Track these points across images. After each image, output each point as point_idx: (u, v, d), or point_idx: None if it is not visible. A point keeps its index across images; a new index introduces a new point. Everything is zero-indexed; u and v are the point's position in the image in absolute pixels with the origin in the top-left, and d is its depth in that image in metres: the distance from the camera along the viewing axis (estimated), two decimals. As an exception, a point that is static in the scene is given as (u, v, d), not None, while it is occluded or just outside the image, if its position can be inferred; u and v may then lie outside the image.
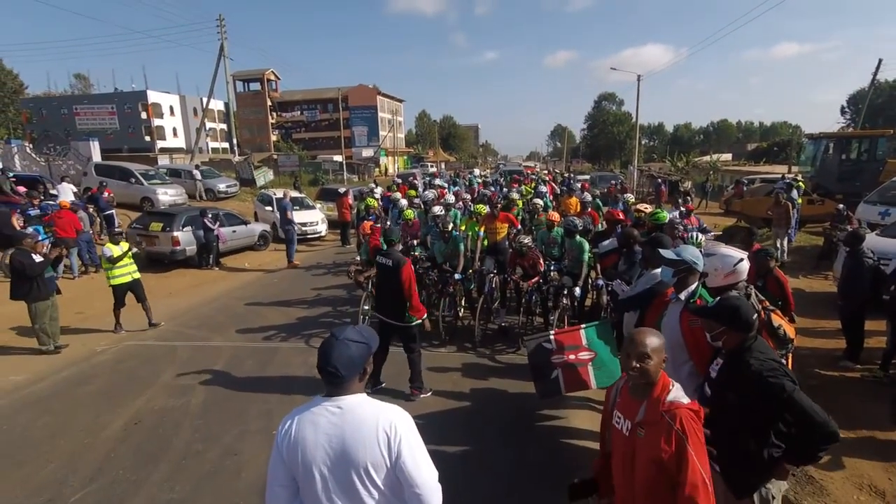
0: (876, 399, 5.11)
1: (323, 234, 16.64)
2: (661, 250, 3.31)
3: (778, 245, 10.73)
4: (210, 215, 12.45)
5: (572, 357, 4.43)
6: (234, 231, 13.81)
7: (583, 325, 4.62)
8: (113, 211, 13.69)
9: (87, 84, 63.54)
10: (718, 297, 2.59)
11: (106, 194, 14.10)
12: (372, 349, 1.84)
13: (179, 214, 12.52)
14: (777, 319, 3.06)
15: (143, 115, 47.93)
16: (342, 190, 16.46)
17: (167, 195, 17.68)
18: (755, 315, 2.38)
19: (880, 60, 29.06)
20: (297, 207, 15.79)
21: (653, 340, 2.02)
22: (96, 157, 20.49)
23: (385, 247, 5.47)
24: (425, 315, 5.30)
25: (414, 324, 5.27)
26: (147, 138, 47.89)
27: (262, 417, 5.09)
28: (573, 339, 4.50)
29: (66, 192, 13.37)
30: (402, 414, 1.82)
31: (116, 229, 8.93)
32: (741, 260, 3.25)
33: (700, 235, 5.87)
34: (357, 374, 1.79)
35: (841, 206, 10.95)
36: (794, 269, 10.23)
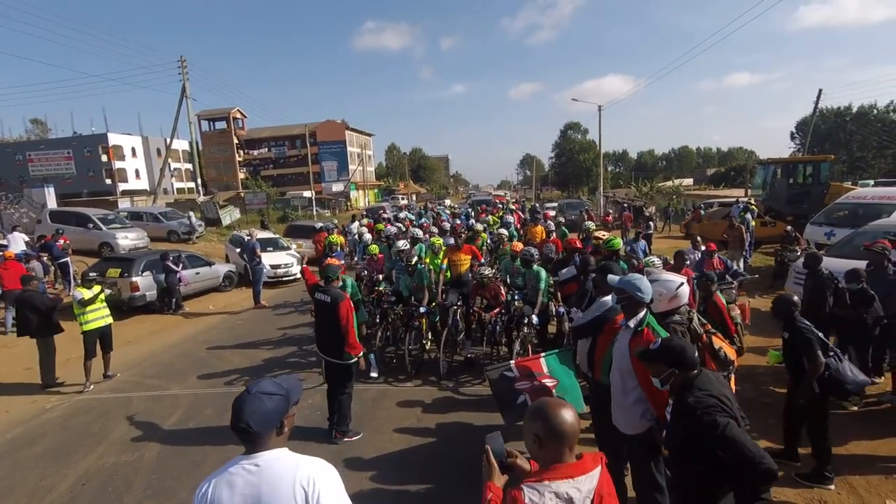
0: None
1: (299, 275, 15.66)
2: (608, 276, 3.40)
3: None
4: (172, 258, 12.17)
5: (536, 383, 4.45)
6: (198, 273, 13.51)
7: (543, 354, 4.66)
8: (68, 259, 13.23)
9: (44, 129, 62.26)
10: (660, 340, 2.64)
11: (61, 241, 13.66)
12: (291, 400, 1.80)
13: (139, 259, 12.21)
14: (718, 342, 3.17)
15: (104, 158, 47.01)
16: (319, 226, 16.08)
17: (128, 239, 17.28)
18: (696, 352, 2.44)
19: (820, 91, 31.49)
20: (270, 248, 15.51)
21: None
22: (51, 203, 19.91)
23: (323, 283, 5.39)
24: (361, 353, 5.23)
25: (350, 361, 5.18)
26: (108, 181, 46.85)
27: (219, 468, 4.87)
28: (535, 366, 4.53)
29: (17, 242, 12.90)
30: (323, 467, 1.75)
31: (89, 273, 8.54)
32: (682, 284, 3.37)
33: (657, 260, 6.03)
34: (273, 428, 1.74)
35: (789, 227, 11.48)
36: (751, 288, 10.59)
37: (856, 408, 5.36)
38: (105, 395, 7.19)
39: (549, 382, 4.41)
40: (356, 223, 16.34)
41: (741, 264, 11.12)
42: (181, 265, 12.41)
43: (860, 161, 57.42)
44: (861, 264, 6.12)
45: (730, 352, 3.17)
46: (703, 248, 7.92)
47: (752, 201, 16.49)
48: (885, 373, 5.86)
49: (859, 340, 5.46)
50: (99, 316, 7.63)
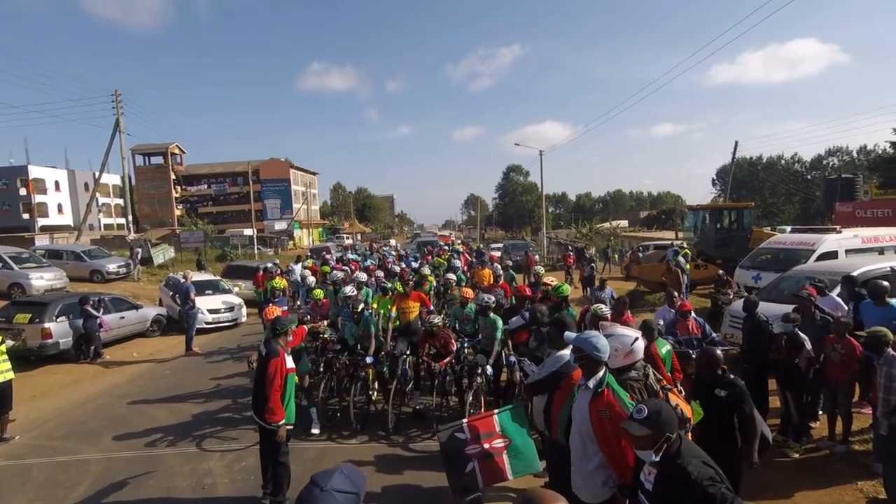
0: (778, 467, 5.31)
1: (242, 320, 14.48)
2: (565, 333, 3.32)
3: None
4: (93, 301, 11.12)
5: (487, 446, 4.21)
6: (122, 317, 12.43)
7: (496, 411, 4.47)
8: (-32, 301, 11.80)
9: (-46, 157, 57.11)
10: (635, 405, 2.53)
11: None
12: (361, 497, 1.57)
13: (53, 302, 11.08)
14: (674, 399, 3.14)
15: (23, 192, 43.56)
16: (269, 265, 15.04)
17: (42, 280, 15.76)
18: (680, 423, 2.34)
19: (736, 143, 34.81)
20: (210, 291, 14.54)
21: None
22: (-45, 239, 17.95)
23: (271, 334, 4.98)
24: (282, 421, 4.64)
25: (271, 426, 4.63)
26: (26, 216, 43.27)
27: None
28: (486, 425, 4.31)
29: None
30: None
31: None
32: (636, 339, 3.35)
33: (604, 308, 6.10)
34: None
35: (721, 271, 12.15)
36: (689, 330, 11.01)
37: (797, 455, 5.50)
38: (-2, 462, 6.24)
39: (500, 443, 4.20)
40: (299, 264, 15.73)
41: (679, 307, 11.58)
42: (102, 309, 11.35)
43: (772, 206, 63.37)
44: (789, 308, 6.49)
45: (685, 409, 3.13)
46: (677, 305, 6.85)
47: (685, 244, 17.46)
48: (818, 417, 6.10)
49: (795, 384, 5.69)
50: (-2, 371, 6.73)
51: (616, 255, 29.00)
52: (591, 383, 2.95)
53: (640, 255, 20.07)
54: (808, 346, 5.56)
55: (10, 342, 7.30)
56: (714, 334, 6.49)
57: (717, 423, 3.77)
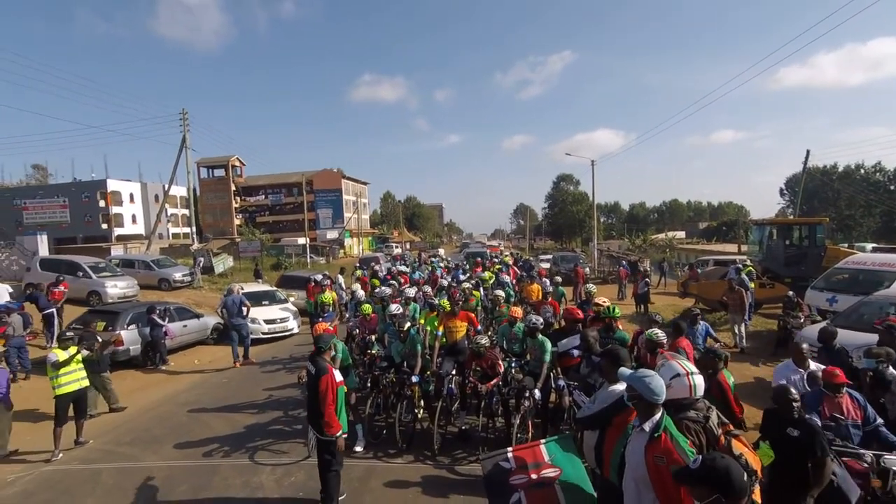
0: None
1: (296, 331, 14.77)
2: (619, 369, 3.15)
3: (736, 331, 10.89)
4: (159, 310, 11.83)
5: (535, 476, 4.05)
6: (185, 326, 13.11)
7: (542, 441, 4.31)
8: (53, 310, 12.82)
9: (44, 174, 63.00)
10: (702, 457, 2.32)
11: (61, 288, 13.44)
12: None
13: (125, 312, 11.84)
14: (739, 447, 2.87)
15: (102, 204, 47.25)
16: (318, 277, 15.46)
17: (116, 288, 16.92)
18: (747, 476, 2.12)
19: (808, 151, 32.49)
20: (267, 302, 15.04)
21: None
22: (43, 251, 19.70)
23: (315, 352, 5.17)
24: (339, 432, 4.85)
25: (329, 438, 4.84)
26: (104, 226, 46.86)
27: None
28: (534, 455, 4.15)
29: (1, 294, 12.55)
30: None
31: (66, 332, 8.32)
32: (677, 375, 3.11)
33: (660, 333, 5.76)
34: None
35: (791, 292, 11.29)
36: (753, 355, 10.31)
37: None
38: (73, 465, 6.68)
39: (550, 473, 4.02)
40: (341, 276, 16.05)
41: (742, 329, 10.89)
42: (168, 318, 12.04)
43: (848, 219, 58.55)
44: (872, 338, 5.93)
45: (753, 460, 2.86)
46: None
47: (748, 262, 16.45)
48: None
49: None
50: (74, 379, 7.23)
51: (676, 269, 27.61)
52: (647, 426, 2.78)
53: (699, 270, 19.07)
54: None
55: (85, 352, 7.78)
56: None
57: (787, 467, 3.47)
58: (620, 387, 3.29)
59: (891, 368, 5.08)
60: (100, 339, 9.03)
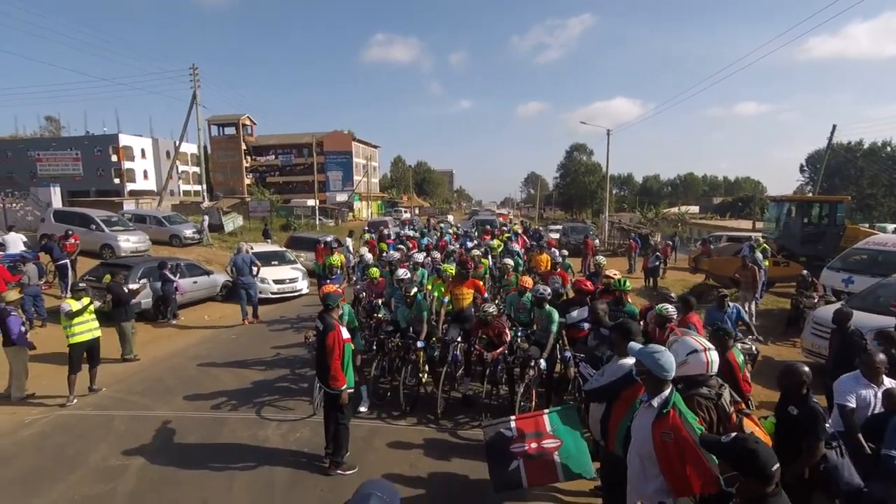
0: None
1: (305, 291, 14.69)
2: (629, 343, 3.10)
3: (746, 308, 10.78)
4: (170, 266, 11.94)
5: (534, 445, 4.12)
6: (195, 282, 13.26)
7: (546, 410, 4.34)
8: (67, 261, 12.99)
9: (57, 127, 62.89)
10: (734, 435, 2.27)
11: (72, 240, 13.56)
12: None
13: (137, 266, 11.97)
14: (750, 425, 2.85)
15: (114, 158, 47.24)
16: (328, 239, 15.42)
17: (129, 242, 17.04)
18: (776, 465, 2.05)
19: (834, 126, 30.96)
20: (276, 262, 15.07)
21: None
22: (56, 202, 19.81)
23: (323, 309, 5.29)
24: (344, 386, 5.06)
25: (335, 391, 5.05)
26: (116, 181, 47.03)
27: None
28: (536, 425, 4.20)
29: (15, 243, 12.71)
30: None
31: (79, 283, 8.51)
32: (694, 351, 3.05)
33: (671, 308, 5.67)
34: None
35: (805, 271, 11.07)
36: (763, 333, 10.14)
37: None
38: (87, 411, 6.89)
39: (550, 444, 4.09)
40: (350, 239, 16.02)
41: (752, 307, 10.77)
42: (179, 274, 12.16)
43: (869, 198, 56.98)
44: (889, 321, 5.81)
45: (764, 439, 2.83)
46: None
47: (762, 238, 16.16)
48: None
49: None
50: (87, 329, 7.40)
51: (689, 244, 27.18)
52: (656, 402, 2.74)
53: (712, 246, 18.80)
54: None
55: (97, 303, 7.91)
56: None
57: (784, 444, 3.43)
58: (630, 361, 3.24)
59: None
60: (129, 289, 9.66)
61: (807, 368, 3.64)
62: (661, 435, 2.63)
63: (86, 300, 7.45)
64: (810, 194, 40.35)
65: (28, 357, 7.41)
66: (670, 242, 24.39)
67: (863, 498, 3.30)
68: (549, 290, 6.47)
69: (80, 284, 8.15)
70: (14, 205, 19.98)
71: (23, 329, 7.28)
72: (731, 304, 6.98)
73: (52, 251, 12.92)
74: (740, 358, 4.68)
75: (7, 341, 7.22)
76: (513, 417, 4.30)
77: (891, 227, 20.11)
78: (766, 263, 12.50)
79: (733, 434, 2.24)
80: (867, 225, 24.06)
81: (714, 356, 3.15)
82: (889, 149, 60.35)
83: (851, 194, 40.55)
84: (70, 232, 14.38)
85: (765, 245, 14.07)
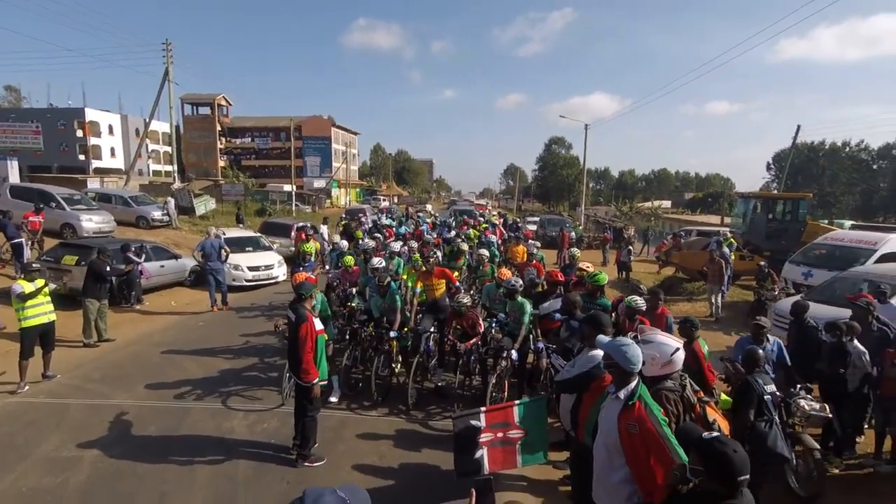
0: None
1: (281, 278, 14.18)
2: (598, 336, 3.08)
3: (712, 300, 11.07)
4: (134, 248, 11.48)
5: (500, 435, 4.18)
6: (163, 266, 12.83)
7: (516, 402, 4.37)
8: (22, 240, 12.38)
9: (17, 97, 59.74)
10: (716, 435, 2.34)
11: (38, 219, 13.07)
12: None
13: (97, 247, 11.45)
14: (712, 413, 2.91)
15: (79, 134, 45.24)
16: (305, 225, 14.96)
17: (92, 222, 16.30)
18: (745, 476, 2.08)
19: (799, 126, 31.92)
20: (250, 248, 14.63)
21: None
22: (13, 178, 18.88)
23: (296, 299, 5.18)
24: (315, 380, 4.94)
25: (306, 384, 4.93)
26: (81, 157, 45.10)
27: (152, 504, 4.40)
28: (505, 416, 4.25)
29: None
30: None
31: (32, 264, 8.08)
32: (677, 349, 3.09)
33: (639, 300, 5.73)
34: None
35: (763, 262, 11.43)
36: (727, 324, 10.52)
37: (837, 470, 5.15)
38: (39, 398, 6.58)
39: (514, 434, 4.19)
40: (325, 226, 15.75)
41: (719, 299, 11.05)
42: (144, 256, 11.71)
43: (829, 196, 59.46)
44: (845, 313, 5.99)
45: (724, 425, 2.89)
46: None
47: (730, 233, 16.57)
48: (864, 432, 5.68)
49: (837, 397, 5.27)
50: (41, 312, 7.04)
51: (662, 238, 27.71)
52: (622, 394, 2.74)
53: (682, 240, 19.20)
54: (866, 359, 5.13)
55: (52, 285, 7.54)
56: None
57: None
58: (600, 353, 3.23)
59: (855, 342, 5.17)
60: (123, 267, 9.97)
61: (761, 352, 4.42)
62: (627, 426, 2.64)
63: (40, 282, 7.09)
64: (775, 191, 41.63)
65: None
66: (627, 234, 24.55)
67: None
68: (519, 281, 6.45)
69: (35, 265, 7.75)
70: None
71: None
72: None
73: (5, 228, 12.30)
74: (705, 349, 4.77)
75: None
76: (483, 409, 4.28)
77: (848, 223, 20.91)
78: (733, 257, 12.83)
79: (715, 434, 2.25)
80: (827, 221, 25.00)
81: (682, 352, 3.20)
82: (848, 149, 63.24)
83: (813, 192, 42.11)
84: (41, 207, 13.85)
85: (732, 240, 14.43)
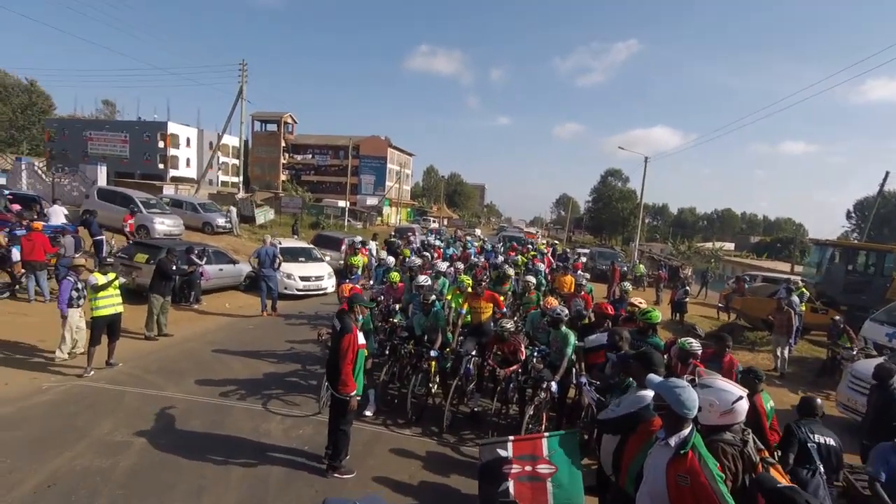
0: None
1: (329, 290, 14.48)
2: (648, 375, 2.90)
3: (778, 353, 10.25)
4: (197, 251, 12.17)
5: (528, 468, 3.98)
6: (221, 269, 13.48)
7: (546, 434, 4.18)
8: (103, 237, 13.41)
9: (113, 110, 65.86)
10: (793, 486, 2.19)
11: (132, 221, 14.44)
12: None
13: (165, 247, 12.22)
14: (776, 475, 2.62)
15: (161, 144, 49.07)
16: (355, 239, 15.39)
17: (164, 225, 17.52)
18: None
19: (887, 172, 29.19)
20: (303, 259, 15.22)
21: None
22: (102, 181, 20.62)
23: (346, 308, 5.20)
24: (353, 392, 4.91)
25: (343, 397, 4.90)
26: (161, 166, 48.76)
27: (189, 498, 4.52)
28: (533, 448, 4.05)
29: (57, 215, 13.20)
30: None
31: (107, 259, 8.82)
32: (740, 398, 2.84)
33: (695, 343, 5.39)
34: None
35: (837, 317, 10.46)
36: (794, 381, 9.71)
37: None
38: (101, 384, 7.00)
39: (545, 469, 3.95)
40: (374, 242, 16.03)
41: (786, 352, 10.24)
42: (205, 259, 12.39)
43: (919, 252, 54.28)
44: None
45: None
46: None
47: (801, 282, 15.41)
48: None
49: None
50: (110, 303, 7.55)
51: (724, 282, 26.20)
52: (673, 441, 2.53)
53: (746, 285, 18.09)
54: None
55: (122, 279, 8.10)
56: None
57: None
58: (649, 393, 3.04)
59: None
60: (186, 268, 10.49)
61: (820, 401, 4.28)
62: (677, 478, 2.42)
63: (111, 275, 7.62)
64: (856, 241, 38.56)
65: (78, 321, 7.52)
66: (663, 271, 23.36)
67: None
68: (565, 311, 6.27)
69: (109, 259, 8.36)
70: (63, 180, 20.86)
71: (74, 294, 7.42)
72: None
73: (90, 226, 13.37)
74: (768, 404, 4.40)
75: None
76: (511, 438, 4.14)
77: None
78: (803, 308, 11.91)
79: (791, 485, 2.05)
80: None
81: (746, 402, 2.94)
82: (945, 202, 57.58)
83: (900, 245, 38.68)
84: (134, 210, 15.69)
85: (803, 289, 13.42)
